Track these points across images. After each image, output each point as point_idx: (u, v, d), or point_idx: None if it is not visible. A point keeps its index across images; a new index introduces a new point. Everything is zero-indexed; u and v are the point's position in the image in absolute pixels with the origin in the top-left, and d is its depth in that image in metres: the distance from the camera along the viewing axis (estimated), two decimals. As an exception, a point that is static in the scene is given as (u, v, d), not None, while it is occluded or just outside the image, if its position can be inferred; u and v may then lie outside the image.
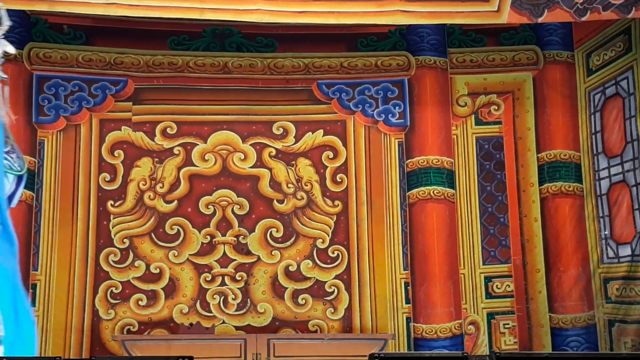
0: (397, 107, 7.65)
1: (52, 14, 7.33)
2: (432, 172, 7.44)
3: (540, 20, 6.04)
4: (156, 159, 7.46)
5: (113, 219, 7.32)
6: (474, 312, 7.40)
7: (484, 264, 7.51)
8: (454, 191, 7.49)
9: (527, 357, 6.72)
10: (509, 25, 7.57)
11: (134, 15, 6.19)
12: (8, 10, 7.04)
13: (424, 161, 7.46)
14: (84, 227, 7.20)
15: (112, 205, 7.34)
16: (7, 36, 7.15)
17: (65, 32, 7.44)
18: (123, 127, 7.46)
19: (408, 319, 7.32)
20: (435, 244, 7.37)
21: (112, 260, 7.25)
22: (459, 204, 7.53)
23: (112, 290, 7.20)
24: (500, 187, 7.64)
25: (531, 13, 5.98)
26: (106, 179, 7.37)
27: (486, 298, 7.46)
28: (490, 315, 7.42)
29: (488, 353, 7.19)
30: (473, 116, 7.73)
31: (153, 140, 7.49)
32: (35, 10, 6.98)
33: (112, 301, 7.20)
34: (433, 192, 7.40)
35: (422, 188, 7.42)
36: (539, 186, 7.52)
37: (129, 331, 7.14)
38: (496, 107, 7.74)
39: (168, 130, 7.52)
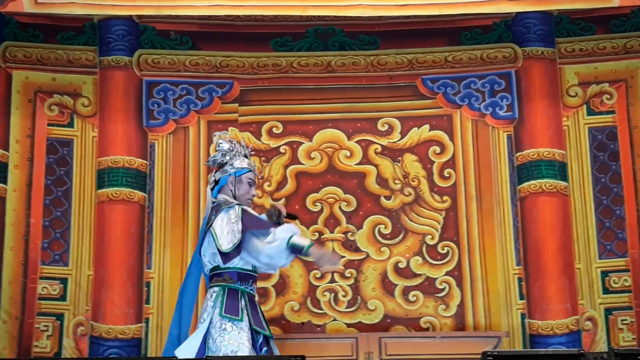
0: (504, 100, 7.51)
1: (160, 21, 7.53)
2: (543, 165, 7.25)
3: (654, 1, 5.84)
4: (263, 158, 7.53)
5: (223, 218, 7.41)
6: (591, 308, 7.16)
7: (600, 259, 7.25)
8: (567, 184, 7.27)
9: (648, 354, 6.47)
10: (619, 12, 7.36)
11: (237, 14, 6.27)
12: (116, 20, 7.32)
13: (535, 154, 7.28)
14: (195, 226, 7.31)
15: (221, 204, 7.43)
16: (117, 45, 7.45)
17: (172, 38, 7.61)
18: (230, 128, 7.56)
19: (523, 315, 7.14)
20: (549, 239, 7.17)
21: (223, 259, 7.34)
22: (572, 196, 7.30)
23: (224, 288, 7.29)
24: (616, 178, 7.37)
25: (645, -6, 5.77)
26: (215, 179, 7.48)
27: (603, 293, 7.19)
28: (608, 311, 7.16)
29: (606, 350, 6.94)
30: (585, 106, 7.50)
31: (259, 140, 7.56)
32: (143, 15, 7.19)
33: (225, 299, 7.28)
34: (545, 185, 7.21)
35: (534, 181, 7.24)
36: (657, 176, 7.25)
37: (243, 329, 7.21)
38: (609, 97, 7.49)
39: (274, 129, 7.59)
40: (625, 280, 7.21)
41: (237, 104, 7.60)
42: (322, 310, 7.28)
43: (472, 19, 7.39)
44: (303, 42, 7.65)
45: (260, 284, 7.27)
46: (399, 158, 7.53)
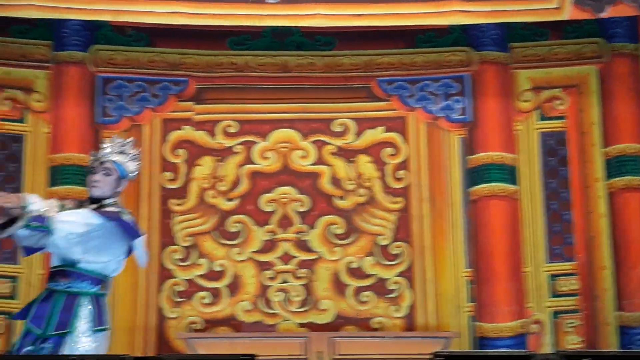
0: (458, 103, 7.58)
1: (116, 18, 7.46)
2: (494, 169, 7.35)
3: (603, 15, 5.95)
4: (217, 158, 7.53)
5: (176, 217, 7.41)
6: (539, 311, 7.30)
7: (548, 262, 7.39)
8: (517, 188, 7.38)
9: (593, 355, 6.62)
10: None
11: (194, 24, 6.26)
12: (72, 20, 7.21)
13: (486, 157, 7.38)
14: (148, 226, 7.30)
15: (174, 203, 7.43)
16: (72, 40, 7.35)
17: (128, 35, 7.55)
18: (185, 127, 7.55)
19: (471, 318, 7.25)
20: (499, 242, 7.28)
21: (176, 259, 7.35)
22: (522, 200, 7.42)
23: (176, 288, 7.31)
24: (565, 183, 7.51)
25: (594, 9, 5.88)
26: (168, 178, 7.46)
27: (551, 296, 7.34)
28: (555, 314, 7.31)
29: (553, 352, 7.10)
30: (536, 111, 7.60)
31: (214, 139, 7.56)
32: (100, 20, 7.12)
33: (177, 300, 7.30)
34: (496, 188, 7.32)
35: (485, 185, 7.34)
36: (606, 181, 7.37)
37: (193, 329, 7.24)
38: (560, 102, 7.60)
39: (229, 129, 7.58)
40: (573, 283, 7.36)
41: (192, 103, 7.58)
42: (274, 310, 7.33)
43: (428, 21, 7.45)
44: (260, 42, 7.63)
45: (212, 284, 7.34)
46: (353, 159, 7.58)
